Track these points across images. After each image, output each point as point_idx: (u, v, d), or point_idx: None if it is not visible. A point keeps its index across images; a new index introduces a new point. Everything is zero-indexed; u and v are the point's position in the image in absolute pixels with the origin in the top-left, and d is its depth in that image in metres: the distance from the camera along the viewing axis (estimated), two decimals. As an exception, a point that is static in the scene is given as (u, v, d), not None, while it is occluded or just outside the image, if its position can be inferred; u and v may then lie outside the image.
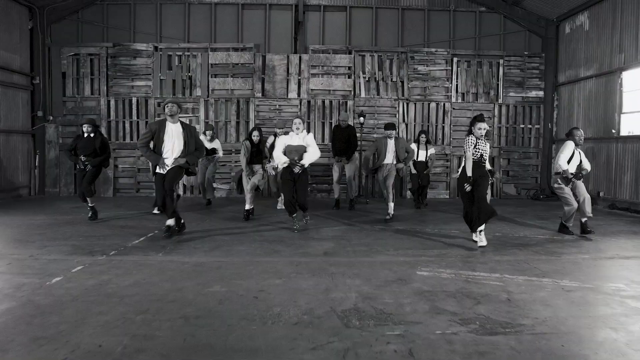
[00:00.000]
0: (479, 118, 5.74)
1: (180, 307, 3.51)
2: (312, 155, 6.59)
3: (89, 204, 7.57)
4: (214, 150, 9.29)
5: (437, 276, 4.44)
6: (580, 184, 6.68)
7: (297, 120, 6.72)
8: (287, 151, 6.58)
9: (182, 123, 6.21)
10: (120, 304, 3.55)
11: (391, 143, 8.00)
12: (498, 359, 2.68)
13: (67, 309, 3.44)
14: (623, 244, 6.23)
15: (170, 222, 6.14)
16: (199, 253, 5.32)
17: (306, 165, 6.62)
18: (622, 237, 6.63)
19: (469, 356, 2.72)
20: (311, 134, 6.84)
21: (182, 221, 6.43)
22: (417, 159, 9.36)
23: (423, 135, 9.58)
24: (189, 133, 6.21)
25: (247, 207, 7.77)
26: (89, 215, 7.54)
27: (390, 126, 8.06)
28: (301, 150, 6.57)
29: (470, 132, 5.77)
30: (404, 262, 4.96)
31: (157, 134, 6.05)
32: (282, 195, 8.41)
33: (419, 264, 4.91)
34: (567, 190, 6.57)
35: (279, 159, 6.62)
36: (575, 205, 6.59)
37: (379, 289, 4.01)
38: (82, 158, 7.51)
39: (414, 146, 9.17)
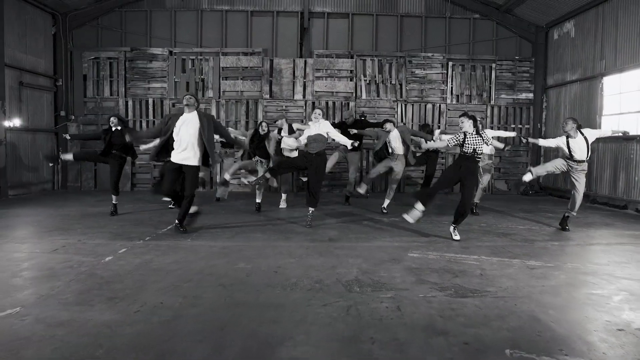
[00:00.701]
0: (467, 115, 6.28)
1: (216, 278, 4.37)
2: (343, 139, 7.06)
3: (113, 201, 8.07)
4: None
5: (424, 257, 5.30)
6: (582, 181, 7.12)
7: (317, 111, 7.05)
8: (308, 142, 7.02)
9: (198, 112, 6.24)
10: (167, 276, 4.42)
11: (394, 134, 8.37)
12: (464, 313, 3.54)
13: (126, 279, 4.31)
14: (592, 233, 7.09)
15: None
16: (222, 239, 6.18)
17: (349, 146, 6.99)
18: (593, 228, 7.48)
19: (442, 310, 3.58)
20: (327, 122, 7.17)
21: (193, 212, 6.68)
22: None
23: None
24: (207, 121, 6.23)
25: (258, 200, 8.64)
26: (111, 210, 8.06)
27: (386, 121, 8.57)
28: (319, 139, 6.93)
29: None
30: (397, 247, 5.83)
31: (171, 122, 6.19)
32: (283, 193, 9.25)
33: (411, 248, 5.77)
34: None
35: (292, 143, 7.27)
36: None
37: (376, 266, 4.87)
38: (114, 151, 7.92)
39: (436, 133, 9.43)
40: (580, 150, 7.05)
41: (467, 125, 6.15)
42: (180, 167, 6.25)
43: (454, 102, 12.91)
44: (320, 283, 4.24)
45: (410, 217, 6.36)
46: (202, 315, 3.44)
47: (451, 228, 6.36)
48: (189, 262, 4.95)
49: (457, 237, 6.27)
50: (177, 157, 6.20)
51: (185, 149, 6.14)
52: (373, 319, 3.39)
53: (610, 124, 10.27)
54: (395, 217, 8.19)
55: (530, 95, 13.01)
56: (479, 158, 6.24)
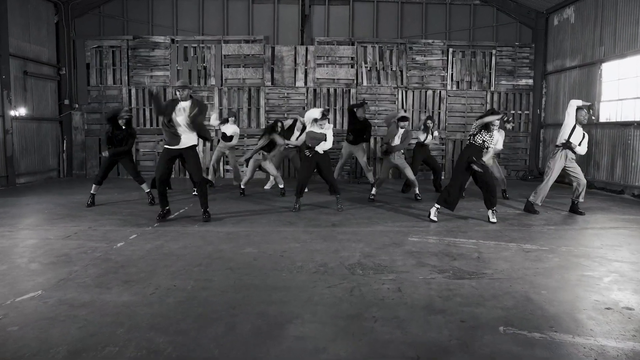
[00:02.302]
0: (493, 112, 6.65)
1: (225, 262, 4.58)
2: (326, 145, 7.42)
3: (145, 190, 8.17)
4: (231, 138, 10.12)
5: (424, 241, 5.50)
6: (578, 168, 7.48)
7: (324, 121, 7.35)
8: (310, 137, 7.33)
9: (192, 99, 6.43)
10: (178, 260, 4.63)
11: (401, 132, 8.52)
12: (461, 294, 3.75)
13: (139, 263, 4.52)
14: (588, 217, 7.27)
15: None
16: (228, 225, 6.39)
17: (321, 152, 7.38)
18: (589, 213, 7.66)
19: (441, 292, 3.79)
20: (331, 125, 7.57)
21: (168, 207, 6.80)
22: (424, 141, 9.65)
23: (429, 122, 9.73)
24: (198, 107, 6.38)
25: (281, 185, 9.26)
26: (149, 200, 8.08)
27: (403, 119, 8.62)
28: (321, 138, 7.33)
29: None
30: (398, 232, 6.03)
31: (169, 108, 6.34)
32: (272, 177, 9.61)
33: (411, 232, 5.97)
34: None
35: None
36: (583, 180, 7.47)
37: (378, 250, 5.07)
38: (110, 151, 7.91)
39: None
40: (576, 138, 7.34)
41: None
42: (176, 156, 6.52)
43: (454, 88, 13.00)
44: (324, 266, 4.45)
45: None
46: (214, 297, 3.65)
47: (490, 214, 6.75)
48: (197, 247, 5.16)
49: (494, 220, 6.69)
50: (173, 143, 6.37)
51: (182, 135, 6.35)
52: (375, 299, 3.60)
53: (609, 110, 10.41)
54: (397, 203, 8.38)
55: (530, 82, 13.10)
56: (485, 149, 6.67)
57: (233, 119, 9.87)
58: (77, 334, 2.95)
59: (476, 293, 3.76)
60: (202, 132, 6.58)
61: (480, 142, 6.57)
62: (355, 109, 10.13)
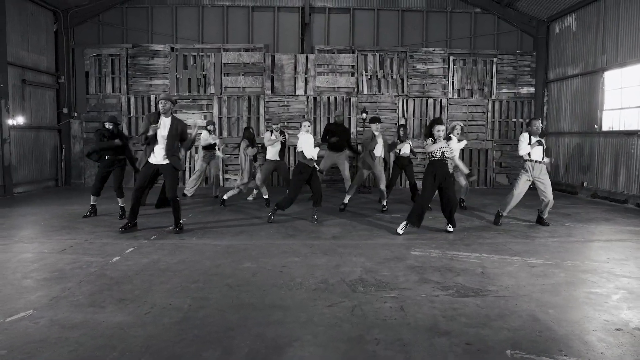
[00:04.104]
0: (437, 121, 6.52)
1: (223, 278, 4.46)
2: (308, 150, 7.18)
3: (120, 204, 7.86)
4: (213, 146, 9.93)
5: (427, 255, 5.39)
6: (547, 184, 7.32)
7: (305, 123, 7.28)
8: (299, 151, 7.25)
9: (172, 117, 6.41)
10: (175, 276, 4.51)
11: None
12: (466, 313, 3.63)
13: (134, 280, 4.40)
14: (592, 229, 7.16)
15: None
16: (227, 237, 6.27)
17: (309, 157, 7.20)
18: (594, 224, 7.55)
19: (445, 310, 3.67)
20: (308, 135, 7.25)
21: (136, 222, 6.75)
22: (399, 153, 8.98)
23: (402, 129, 9.07)
24: (176, 127, 6.38)
25: (266, 196, 9.14)
26: (119, 214, 7.77)
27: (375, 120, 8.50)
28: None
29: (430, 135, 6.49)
30: (400, 244, 5.91)
31: (151, 124, 6.30)
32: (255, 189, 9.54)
33: (413, 245, 5.85)
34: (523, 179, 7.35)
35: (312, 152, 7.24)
36: (518, 196, 7.34)
37: (379, 264, 4.96)
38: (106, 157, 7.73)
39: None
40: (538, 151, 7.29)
41: (442, 130, 6.47)
42: (157, 170, 6.55)
43: (455, 96, 12.93)
44: (325, 283, 4.33)
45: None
46: (210, 316, 3.53)
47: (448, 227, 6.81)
48: (195, 261, 5.04)
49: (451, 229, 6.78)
50: (154, 159, 6.43)
51: (162, 150, 6.38)
52: (377, 319, 3.48)
53: (612, 119, 10.33)
54: (396, 214, 8.26)
55: (532, 90, 13.03)
56: (446, 162, 6.59)
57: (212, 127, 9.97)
58: (67, 358, 2.83)
59: (482, 312, 3.64)
60: (189, 146, 6.86)
61: (439, 154, 6.45)
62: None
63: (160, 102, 6.33)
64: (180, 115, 11.94)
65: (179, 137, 6.51)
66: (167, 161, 6.43)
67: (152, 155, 6.42)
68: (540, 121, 7.47)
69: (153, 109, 12.58)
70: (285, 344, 3.07)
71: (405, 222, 6.58)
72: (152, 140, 6.37)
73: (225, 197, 8.90)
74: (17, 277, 4.46)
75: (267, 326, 3.35)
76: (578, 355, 2.93)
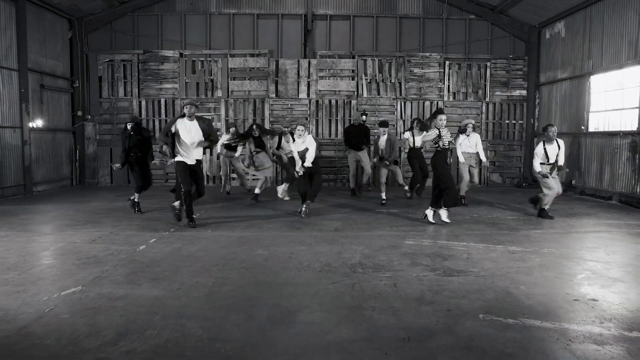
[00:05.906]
0: (440, 111, 7.32)
1: (239, 262, 5.10)
2: (309, 156, 7.90)
3: (136, 199, 8.39)
4: (234, 147, 10.60)
5: (419, 244, 6.02)
6: (558, 179, 7.99)
7: (299, 127, 7.91)
8: (300, 156, 7.94)
9: (197, 118, 6.94)
10: (197, 261, 5.15)
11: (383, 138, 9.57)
12: (449, 288, 4.26)
13: (162, 264, 5.04)
14: (573, 222, 7.78)
15: (176, 203, 7.37)
16: (238, 230, 6.91)
17: (309, 165, 7.89)
18: (575, 218, 8.17)
19: (431, 286, 4.30)
20: (310, 135, 8.07)
21: (194, 215, 7.25)
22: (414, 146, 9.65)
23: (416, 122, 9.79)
24: (206, 124, 6.98)
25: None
26: (136, 209, 8.37)
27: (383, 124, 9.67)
28: (304, 153, 7.89)
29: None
30: (395, 235, 6.55)
31: (175, 128, 6.81)
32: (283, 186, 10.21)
33: (407, 236, 6.49)
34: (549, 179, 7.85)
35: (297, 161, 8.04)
36: (556, 189, 7.88)
37: (376, 252, 5.59)
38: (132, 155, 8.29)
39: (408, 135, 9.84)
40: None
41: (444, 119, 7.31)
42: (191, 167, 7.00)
43: (451, 99, 13.57)
44: (328, 266, 4.97)
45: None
46: (232, 291, 4.17)
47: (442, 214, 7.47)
48: (212, 249, 5.68)
49: (448, 220, 7.43)
50: (188, 160, 6.95)
51: (190, 154, 6.92)
52: (373, 293, 4.11)
53: (597, 120, 10.96)
54: (394, 208, 8.89)
55: (524, 92, 13.65)
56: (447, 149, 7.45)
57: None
58: (119, 320, 3.47)
59: (462, 288, 4.27)
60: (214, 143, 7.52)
61: (447, 144, 7.21)
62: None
63: (185, 107, 6.90)
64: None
65: (207, 136, 6.95)
66: (195, 161, 7.02)
67: (184, 156, 6.87)
68: (555, 127, 8.01)
69: (163, 112, 13.23)
70: (296, 310, 3.71)
71: (445, 211, 7.34)
72: (170, 143, 6.86)
73: (257, 192, 9.76)
74: (59, 262, 5.10)
75: (281, 298, 3.99)
76: (537, 318, 3.56)
